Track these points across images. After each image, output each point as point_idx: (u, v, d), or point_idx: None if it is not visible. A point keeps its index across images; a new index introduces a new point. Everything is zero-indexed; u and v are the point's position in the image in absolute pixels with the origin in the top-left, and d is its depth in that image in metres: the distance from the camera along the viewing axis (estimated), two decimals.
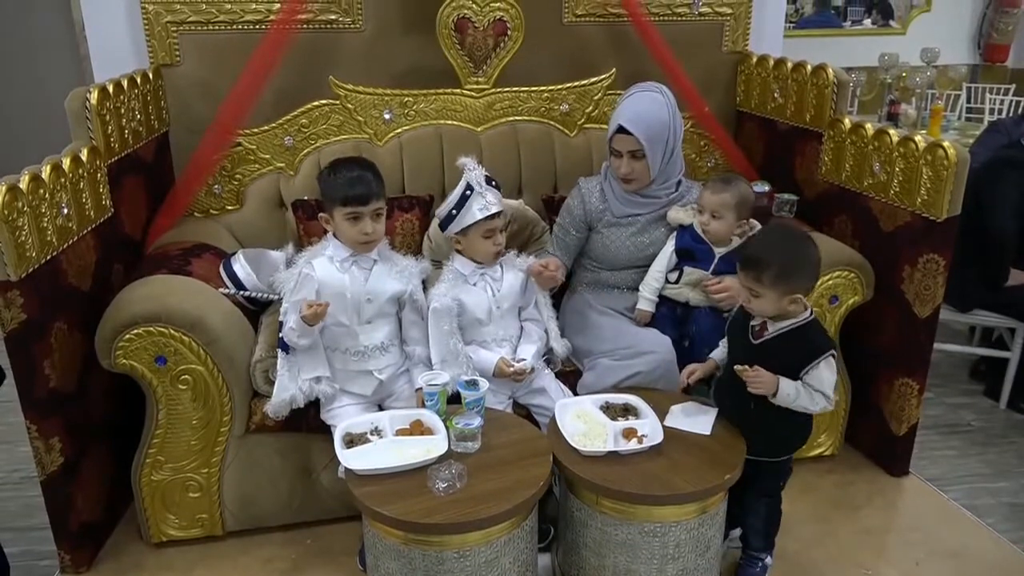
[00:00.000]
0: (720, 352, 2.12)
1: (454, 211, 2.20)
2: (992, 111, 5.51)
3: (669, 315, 2.38)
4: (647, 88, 2.39)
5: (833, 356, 1.90)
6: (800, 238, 1.95)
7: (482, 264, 2.24)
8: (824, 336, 1.96)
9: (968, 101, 5.72)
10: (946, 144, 2.27)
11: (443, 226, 2.26)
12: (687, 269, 2.34)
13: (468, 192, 2.18)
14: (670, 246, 2.38)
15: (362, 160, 2.19)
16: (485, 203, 2.16)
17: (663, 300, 2.39)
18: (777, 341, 1.91)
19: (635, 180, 2.37)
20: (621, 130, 2.30)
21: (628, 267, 2.45)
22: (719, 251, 2.32)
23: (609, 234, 2.43)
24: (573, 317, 2.44)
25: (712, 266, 2.31)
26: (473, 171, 2.19)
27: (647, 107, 2.33)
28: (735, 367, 1.92)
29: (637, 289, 2.42)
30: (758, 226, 2.33)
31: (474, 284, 2.23)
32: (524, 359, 2.20)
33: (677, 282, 2.36)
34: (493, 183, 2.22)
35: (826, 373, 1.88)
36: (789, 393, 1.88)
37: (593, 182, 2.47)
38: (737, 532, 2.17)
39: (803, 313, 1.91)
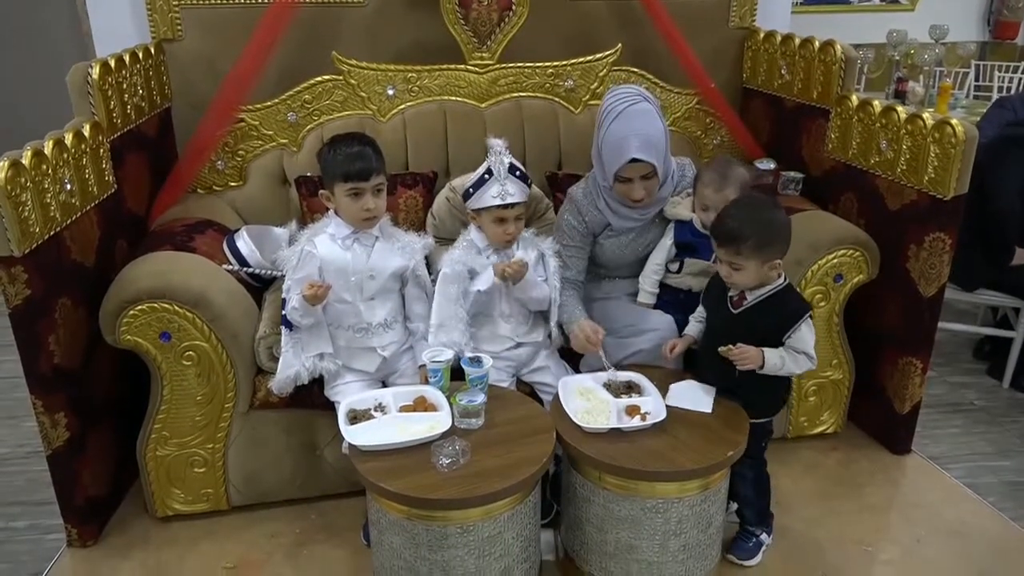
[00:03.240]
0: (695, 327, 2.16)
1: (471, 189, 2.20)
2: (1001, 89, 5.46)
3: (672, 301, 2.34)
4: (631, 100, 2.20)
5: (811, 316, 1.97)
6: (768, 204, 2.01)
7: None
8: (800, 298, 2.04)
9: (976, 79, 5.66)
10: (954, 122, 2.25)
11: (464, 198, 2.26)
12: (688, 260, 2.30)
13: (487, 176, 2.17)
14: (668, 239, 2.32)
15: (361, 135, 2.17)
16: (501, 191, 2.15)
17: (665, 287, 2.36)
18: (756, 308, 1.97)
19: (648, 197, 2.25)
20: (634, 160, 2.14)
21: (629, 265, 2.42)
22: None
23: (608, 244, 2.37)
24: None
25: (714, 256, 2.29)
26: (498, 156, 2.17)
27: (646, 124, 2.17)
28: (719, 349, 1.96)
29: (634, 277, 2.39)
30: None
31: (487, 258, 2.23)
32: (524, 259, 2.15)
33: (679, 272, 2.33)
34: (518, 172, 2.18)
35: (807, 334, 1.96)
36: (775, 363, 1.94)
37: (587, 196, 2.33)
38: (735, 506, 2.19)
39: (777, 280, 1.97)
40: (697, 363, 2.18)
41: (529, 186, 2.25)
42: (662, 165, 2.22)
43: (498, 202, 2.15)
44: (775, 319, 1.96)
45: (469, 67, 2.84)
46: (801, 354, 1.96)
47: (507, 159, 2.18)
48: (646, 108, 2.20)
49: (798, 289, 2.40)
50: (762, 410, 2.07)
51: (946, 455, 2.68)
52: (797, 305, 1.98)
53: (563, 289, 2.30)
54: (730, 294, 2.00)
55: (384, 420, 1.91)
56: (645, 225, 2.35)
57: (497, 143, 2.20)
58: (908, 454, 2.63)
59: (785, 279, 1.99)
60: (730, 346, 1.94)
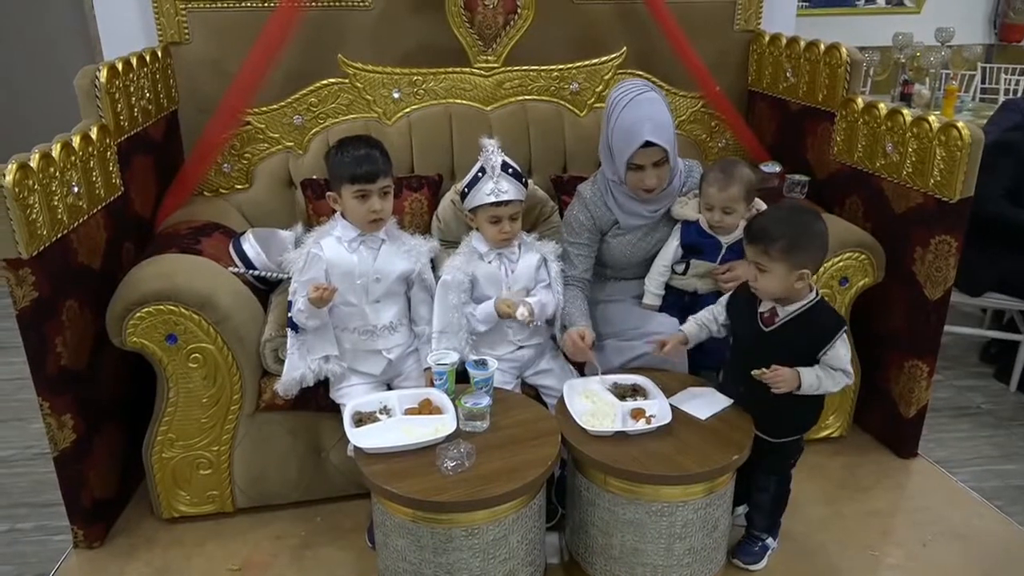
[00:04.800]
0: (691, 326, 2.10)
1: (466, 189, 2.21)
2: (1007, 92, 5.45)
3: (677, 303, 2.34)
4: (639, 89, 2.22)
5: (846, 331, 1.90)
6: (807, 212, 1.95)
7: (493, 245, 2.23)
8: (834, 313, 1.96)
9: (983, 82, 5.65)
10: (960, 124, 2.25)
11: (461, 198, 2.27)
12: (694, 262, 2.30)
13: (480, 174, 2.18)
14: (674, 240, 2.31)
15: (369, 138, 2.19)
16: (495, 188, 2.15)
17: (670, 289, 2.35)
18: (789, 326, 1.90)
19: (659, 187, 2.25)
20: (646, 144, 2.15)
21: (635, 265, 2.42)
22: (727, 241, 2.26)
23: (616, 243, 2.36)
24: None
25: (719, 257, 2.28)
26: (490, 154, 2.17)
27: (657, 111, 2.18)
28: (753, 373, 1.90)
29: (640, 278, 2.39)
30: (763, 206, 2.31)
31: (489, 263, 2.23)
32: (529, 302, 2.13)
33: (684, 274, 2.33)
34: (510, 170, 2.18)
35: (843, 350, 1.89)
36: (812, 383, 1.88)
37: (595, 193, 2.34)
38: (743, 509, 2.18)
39: (809, 294, 1.91)
40: (726, 377, 2.14)
41: (525, 185, 2.24)
42: (673, 153, 2.21)
43: (492, 199, 2.15)
44: (809, 336, 1.89)
45: (474, 70, 2.85)
46: (838, 371, 1.89)
47: (499, 157, 2.18)
48: (654, 97, 2.22)
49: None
50: (790, 428, 2.02)
51: (953, 459, 2.67)
52: (831, 320, 1.90)
53: (567, 288, 2.30)
54: (760, 310, 1.94)
55: (389, 423, 1.91)
56: (653, 224, 2.35)
57: (489, 142, 2.20)
58: (914, 458, 2.62)
59: (818, 294, 1.93)
60: (763, 370, 1.88)
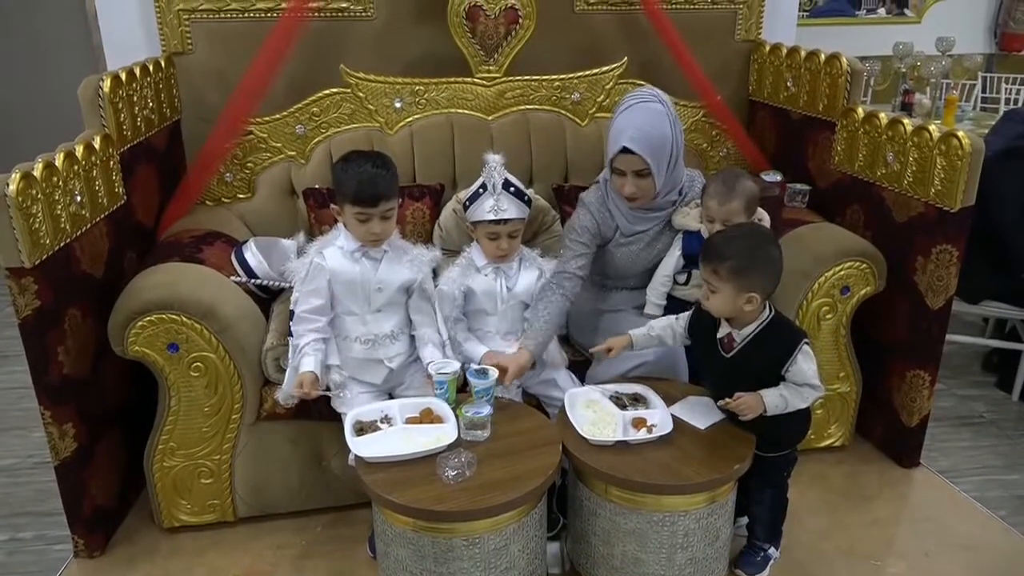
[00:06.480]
0: (641, 333, 2.10)
1: (467, 203, 2.22)
2: (1008, 101, 5.46)
3: (678, 313, 2.34)
4: (644, 98, 2.23)
5: (807, 343, 1.89)
6: (762, 237, 1.94)
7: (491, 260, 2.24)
8: (792, 328, 1.97)
9: (983, 91, 5.66)
10: (961, 134, 2.25)
11: (463, 209, 2.29)
12: (696, 272, 2.29)
13: (481, 190, 2.18)
14: (676, 250, 2.32)
15: (377, 156, 2.11)
16: (495, 206, 2.15)
17: (672, 299, 2.35)
18: (748, 348, 1.91)
19: (641, 198, 2.26)
20: (624, 150, 2.17)
21: (637, 275, 2.42)
22: None
23: (617, 252, 2.35)
24: (580, 319, 2.41)
25: None
26: (493, 171, 2.18)
27: (649, 121, 2.17)
28: (718, 404, 1.93)
29: (643, 288, 2.39)
30: (766, 217, 2.31)
31: (486, 275, 2.23)
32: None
33: (686, 283, 2.33)
34: (512, 188, 2.19)
35: (805, 364, 1.88)
36: (777, 404, 1.89)
37: (596, 198, 2.34)
38: (744, 520, 2.18)
39: (763, 313, 1.91)
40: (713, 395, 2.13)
41: (528, 204, 2.23)
42: (661, 170, 2.20)
43: (491, 216, 2.16)
44: (769, 355, 1.90)
45: (476, 80, 2.86)
46: (804, 386, 1.89)
47: (501, 175, 2.18)
48: (656, 108, 2.21)
49: (803, 301, 2.40)
50: (778, 443, 2.02)
51: (955, 468, 2.66)
52: (790, 336, 1.90)
53: (554, 286, 2.21)
54: (719, 336, 1.96)
55: (390, 432, 1.91)
56: (656, 234, 2.35)
57: (493, 158, 2.20)
58: (916, 467, 2.62)
59: (771, 311, 1.93)
60: (727, 400, 1.90)
